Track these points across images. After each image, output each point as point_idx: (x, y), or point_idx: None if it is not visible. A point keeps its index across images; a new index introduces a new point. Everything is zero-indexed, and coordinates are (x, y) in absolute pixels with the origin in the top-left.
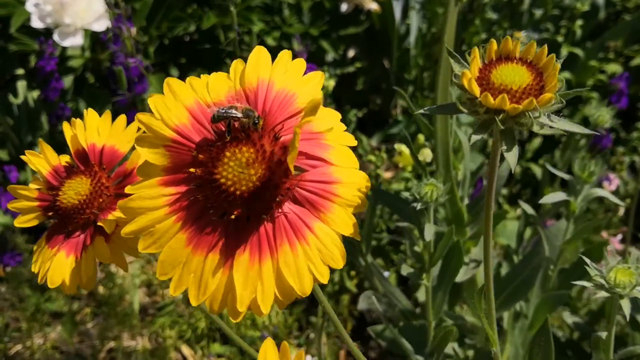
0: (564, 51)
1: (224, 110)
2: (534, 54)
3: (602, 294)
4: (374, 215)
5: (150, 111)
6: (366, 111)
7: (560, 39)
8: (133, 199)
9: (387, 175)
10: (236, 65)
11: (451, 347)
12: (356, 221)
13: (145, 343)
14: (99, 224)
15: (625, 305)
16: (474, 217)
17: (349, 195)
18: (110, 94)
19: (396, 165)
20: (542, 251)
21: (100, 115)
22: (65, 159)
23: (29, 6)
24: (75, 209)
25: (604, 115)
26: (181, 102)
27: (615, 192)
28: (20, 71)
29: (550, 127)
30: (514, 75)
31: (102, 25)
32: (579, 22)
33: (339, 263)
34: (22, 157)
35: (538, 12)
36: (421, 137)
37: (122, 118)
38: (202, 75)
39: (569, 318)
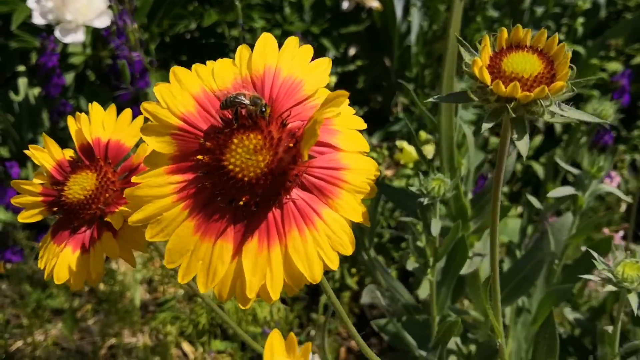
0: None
1: (232, 98)
2: (544, 43)
3: (609, 288)
4: (377, 210)
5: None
6: (367, 109)
7: (561, 37)
8: (140, 187)
9: (388, 173)
10: (242, 51)
11: (454, 342)
12: (365, 208)
13: (146, 340)
14: (106, 219)
15: (633, 299)
16: (478, 212)
17: (358, 182)
18: (112, 91)
19: (397, 163)
20: (545, 246)
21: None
22: (69, 153)
23: (31, 3)
24: (81, 204)
25: (607, 109)
26: (187, 90)
27: None
28: (21, 68)
29: (562, 115)
30: (525, 63)
31: (103, 21)
32: (580, 20)
33: (348, 249)
34: (26, 151)
35: (539, 10)
36: (423, 134)
37: (128, 112)
38: (207, 62)
39: (570, 314)
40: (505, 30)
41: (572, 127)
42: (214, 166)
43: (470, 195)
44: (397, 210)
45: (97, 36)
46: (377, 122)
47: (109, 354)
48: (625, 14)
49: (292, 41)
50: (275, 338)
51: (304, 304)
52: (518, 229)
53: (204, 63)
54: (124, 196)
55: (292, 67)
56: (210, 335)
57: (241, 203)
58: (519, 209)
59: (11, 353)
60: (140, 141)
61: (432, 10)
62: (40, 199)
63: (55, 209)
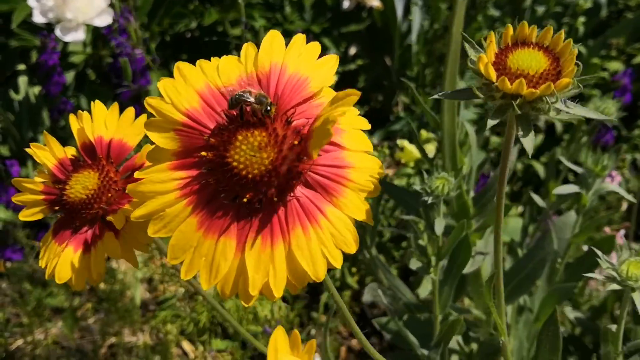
0: None
1: (237, 96)
2: (550, 39)
3: (614, 286)
4: (379, 208)
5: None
6: (367, 108)
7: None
8: (143, 182)
9: (389, 172)
10: (247, 48)
11: (455, 341)
12: (369, 206)
13: (146, 338)
14: (108, 219)
15: (637, 298)
16: (480, 210)
17: (362, 180)
18: (112, 89)
19: (397, 162)
20: (547, 245)
21: None
22: (70, 151)
23: (31, 1)
24: (83, 204)
25: (609, 107)
26: (192, 86)
27: None
28: (21, 67)
29: (567, 112)
30: (531, 60)
31: (104, 20)
32: (582, 19)
33: (352, 248)
34: (27, 150)
35: (540, 9)
36: (424, 133)
37: (130, 110)
38: (212, 58)
39: (571, 313)
40: (511, 26)
41: (574, 126)
42: (218, 163)
43: (472, 194)
44: (398, 208)
45: (97, 35)
46: (377, 122)
47: (109, 353)
48: (626, 13)
49: (299, 39)
50: (279, 335)
51: (304, 302)
52: (519, 227)
53: None
54: (127, 192)
55: (298, 65)
56: (210, 334)
57: (245, 200)
58: (520, 208)
59: (11, 352)
60: (143, 141)
61: (433, 9)
62: (41, 197)
63: (56, 207)
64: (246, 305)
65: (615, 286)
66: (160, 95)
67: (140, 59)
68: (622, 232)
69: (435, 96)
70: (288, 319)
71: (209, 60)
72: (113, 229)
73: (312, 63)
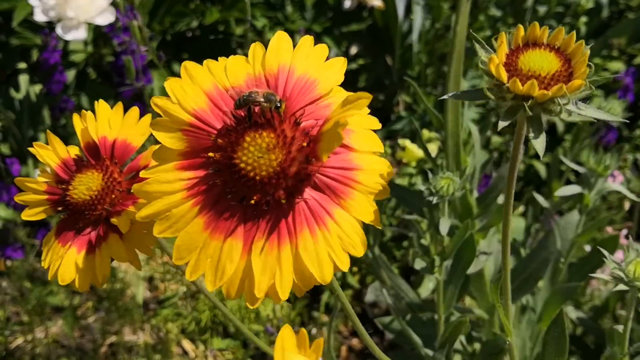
0: None
1: (245, 96)
2: (562, 40)
3: (620, 287)
4: (382, 208)
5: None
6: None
7: None
8: (149, 182)
9: None
10: (255, 49)
11: (459, 341)
12: (377, 208)
13: (146, 337)
14: (112, 221)
15: None
16: (483, 210)
17: (370, 182)
18: (113, 88)
19: (399, 162)
20: (550, 245)
21: None
22: (74, 151)
23: (32, 0)
24: (87, 205)
25: (615, 107)
26: (199, 86)
27: None
28: (22, 65)
29: (579, 114)
30: (542, 61)
31: (105, 19)
32: (583, 20)
33: (360, 251)
34: (30, 149)
35: (542, 9)
36: (426, 133)
37: (135, 110)
38: (219, 58)
39: (573, 313)
40: (522, 27)
41: (575, 126)
42: (226, 164)
43: (475, 194)
44: (400, 208)
45: (98, 33)
46: (379, 121)
47: (110, 352)
48: (627, 13)
49: (306, 40)
50: (286, 334)
51: (305, 302)
52: (521, 227)
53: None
54: (132, 192)
55: (306, 66)
56: (211, 333)
57: (252, 202)
58: (521, 208)
59: (11, 350)
60: (147, 141)
61: (435, 9)
62: (44, 197)
63: (59, 208)
64: (251, 307)
65: (621, 286)
66: (162, 94)
67: (142, 57)
68: (625, 232)
69: (445, 97)
70: (289, 318)
71: (212, 59)
72: (117, 230)
73: (320, 65)
